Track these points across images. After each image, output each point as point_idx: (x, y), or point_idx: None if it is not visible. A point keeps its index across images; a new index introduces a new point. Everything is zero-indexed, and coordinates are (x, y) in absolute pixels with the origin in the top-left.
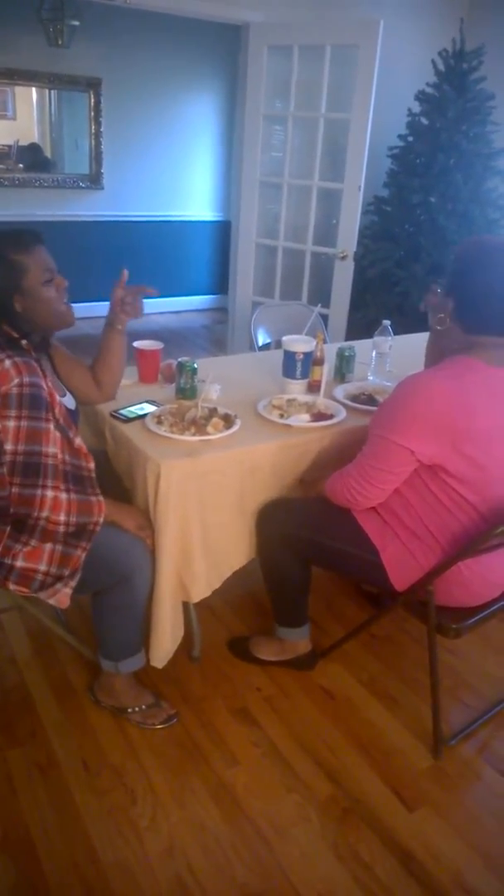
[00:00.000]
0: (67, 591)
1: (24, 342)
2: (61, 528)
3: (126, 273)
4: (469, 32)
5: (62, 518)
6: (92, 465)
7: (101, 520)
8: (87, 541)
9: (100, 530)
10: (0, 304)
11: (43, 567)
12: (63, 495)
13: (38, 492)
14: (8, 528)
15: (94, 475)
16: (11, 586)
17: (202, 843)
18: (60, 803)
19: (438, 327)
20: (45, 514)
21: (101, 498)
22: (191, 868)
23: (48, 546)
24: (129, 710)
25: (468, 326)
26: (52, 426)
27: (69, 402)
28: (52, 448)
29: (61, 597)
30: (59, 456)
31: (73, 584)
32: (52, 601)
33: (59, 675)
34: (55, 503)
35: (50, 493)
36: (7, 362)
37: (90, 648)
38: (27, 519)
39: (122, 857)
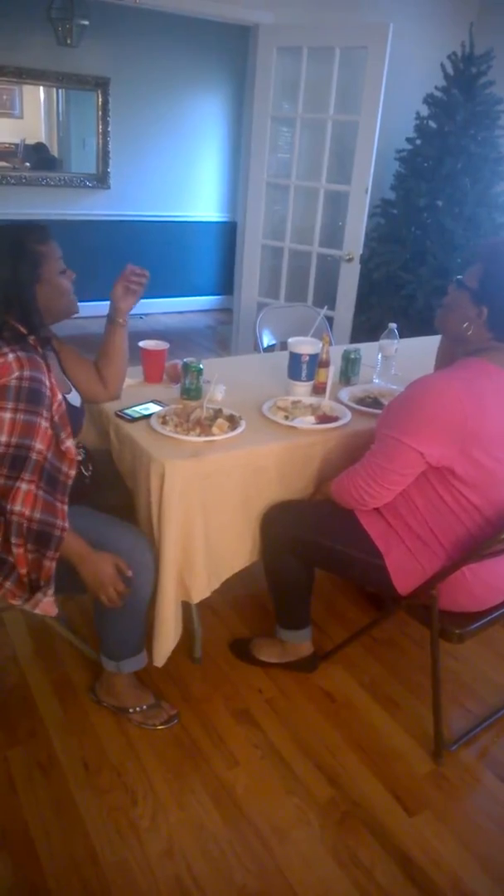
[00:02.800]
0: (48, 600)
1: (31, 338)
2: (25, 523)
3: (129, 268)
4: (478, 37)
5: (27, 512)
6: (73, 472)
7: (67, 526)
8: (55, 550)
9: (104, 530)
10: (21, 294)
11: (24, 572)
12: (34, 490)
13: (16, 483)
14: (3, 521)
15: (70, 482)
16: (8, 584)
17: (202, 844)
18: (60, 803)
19: (468, 333)
20: (16, 507)
21: (65, 507)
22: (190, 869)
23: (20, 551)
24: (130, 710)
25: (501, 335)
26: (47, 424)
27: (74, 398)
28: (41, 444)
29: (44, 606)
30: (44, 453)
31: (50, 592)
32: (38, 611)
33: (61, 674)
34: (26, 496)
35: (23, 486)
36: (10, 356)
37: (92, 648)
38: (4, 512)
39: (121, 857)
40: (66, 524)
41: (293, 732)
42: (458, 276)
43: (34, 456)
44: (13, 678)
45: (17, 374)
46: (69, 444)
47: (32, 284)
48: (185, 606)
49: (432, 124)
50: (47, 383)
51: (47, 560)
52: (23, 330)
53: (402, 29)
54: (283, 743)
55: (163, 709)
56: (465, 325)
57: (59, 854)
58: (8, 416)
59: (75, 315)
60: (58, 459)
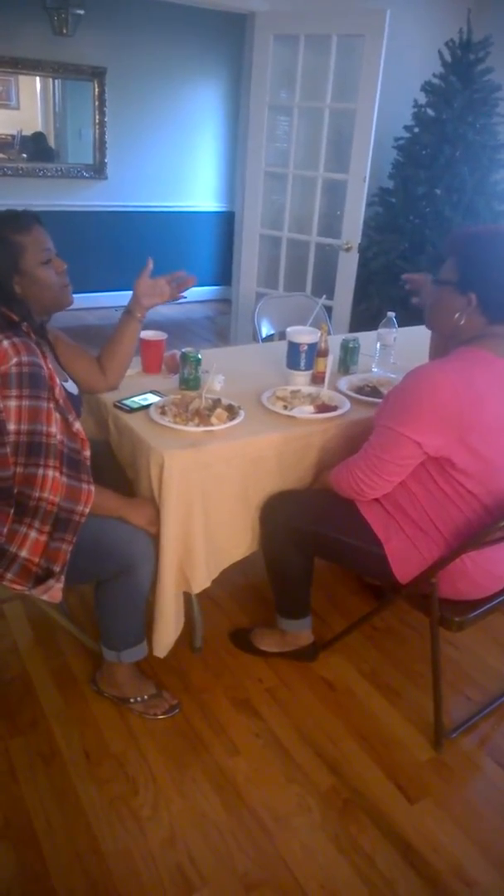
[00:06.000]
0: (59, 585)
1: (24, 325)
2: (53, 510)
3: (151, 262)
4: (476, 23)
5: (55, 498)
6: (88, 452)
7: (87, 510)
8: (73, 533)
9: (104, 520)
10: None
11: (38, 560)
12: (58, 476)
13: (40, 471)
14: (11, 511)
15: (88, 462)
16: (9, 576)
17: (203, 832)
18: (62, 792)
19: (460, 323)
20: (45, 494)
21: (91, 487)
22: (192, 857)
23: (42, 539)
24: (131, 700)
25: (494, 316)
26: (52, 406)
27: (71, 387)
28: (54, 428)
29: (54, 592)
30: (59, 437)
31: (63, 578)
32: (45, 597)
33: (61, 664)
34: (54, 484)
35: (50, 473)
36: (5, 343)
37: (92, 638)
38: (28, 500)
39: (123, 846)
40: (88, 508)
41: (294, 721)
42: (434, 278)
43: (50, 440)
44: (14, 669)
45: (15, 360)
46: (77, 426)
47: (10, 275)
48: (185, 596)
49: (430, 112)
50: (45, 367)
51: (65, 544)
52: (14, 317)
53: (399, 16)
54: (283, 731)
55: (164, 698)
56: (456, 317)
57: (62, 843)
58: (13, 403)
59: (69, 307)
60: (72, 442)
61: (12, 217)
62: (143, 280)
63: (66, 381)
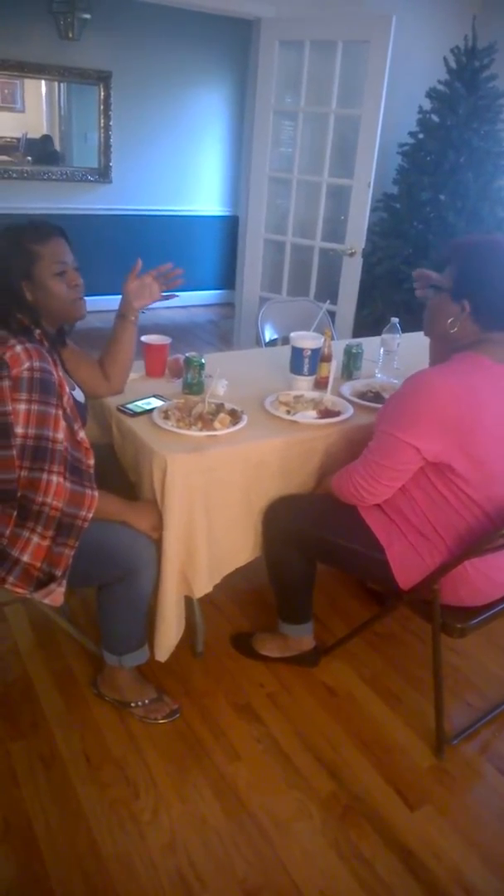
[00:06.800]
0: (61, 589)
1: (37, 332)
2: (56, 515)
3: (140, 263)
4: (481, 30)
5: (59, 504)
6: (91, 461)
7: (90, 515)
8: (75, 538)
9: (107, 524)
10: (9, 290)
11: (40, 564)
12: (63, 482)
13: (45, 476)
14: (14, 514)
15: (92, 471)
16: (11, 579)
17: (203, 837)
18: (62, 796)
19: (452, 331)
20: (49, 499)
21: (95, 492)
22: (191, 862)
23: (45, 543)
24: (132, 704)
25: (487, 324)
26: (61, 413)
27: (79, 395)
28: (60, 434)
29: (55, 596)
30: (64, 443)
31: (65, 582)
32: (47, 601)
33: (62, 667)
34: (58, 489)
35: (55, 479)
36: (18, 347)
37: (93, 641)
38: (31, 504)
39: (123, 850)
40: (91, 513)
41: (295, 726)
42: (433, 285)
43: (56, 446)
44: (15, 671)
45: (27, 364)
46: (82, 434)
47: (19, 281)
48: (187, 600)
49: (435, 118)
50: (55, 374)
51: (67, 549)
52: (27, 323)
53: (404, 22)
54: (284, 737)
55: (164, 703)
56: (449, 322)
57: (62, 847)
58: (23, 407)
59: (81, 318)
60: (76, 450)
61: (34, 226)
62: (132, 281)
63: (73, 388)
